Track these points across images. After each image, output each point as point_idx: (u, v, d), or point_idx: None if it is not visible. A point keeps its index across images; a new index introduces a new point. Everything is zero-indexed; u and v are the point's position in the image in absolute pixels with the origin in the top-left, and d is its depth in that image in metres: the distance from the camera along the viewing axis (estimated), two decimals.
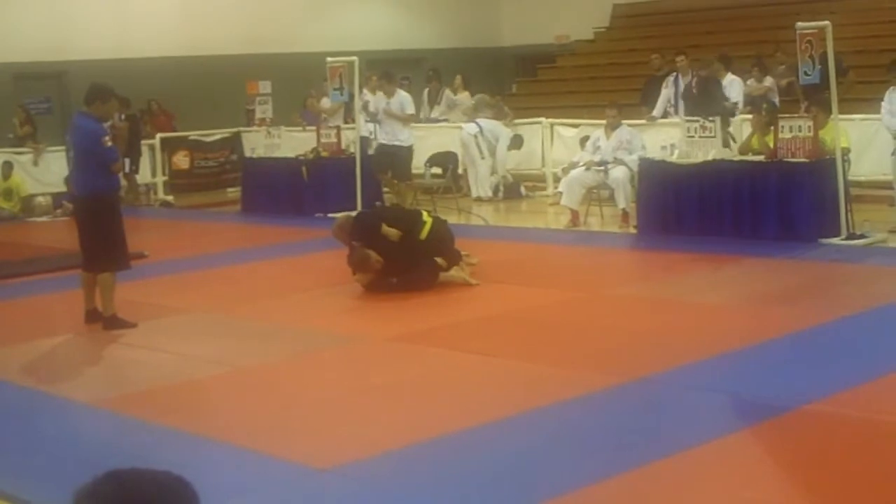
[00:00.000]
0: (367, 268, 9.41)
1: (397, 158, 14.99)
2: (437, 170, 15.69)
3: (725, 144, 11.93)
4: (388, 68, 17.08)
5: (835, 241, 10.56)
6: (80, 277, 8.78)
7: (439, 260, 9.44)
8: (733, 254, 10.24)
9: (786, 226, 10.77)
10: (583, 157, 13.37)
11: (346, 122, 16.36)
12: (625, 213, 12.60)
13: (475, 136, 15.76)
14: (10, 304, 9.95)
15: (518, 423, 5.76)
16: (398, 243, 9.48)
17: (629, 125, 13.33)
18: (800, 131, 10.84)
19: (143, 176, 18.24)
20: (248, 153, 17.75)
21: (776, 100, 14.77)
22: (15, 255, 12.83)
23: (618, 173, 12.55)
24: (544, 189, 16.06)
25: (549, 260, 11.10)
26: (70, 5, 19.23)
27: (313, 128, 16.47)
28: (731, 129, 12.73)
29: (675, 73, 14.79)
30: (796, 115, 11.45)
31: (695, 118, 11.93)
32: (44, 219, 16.54)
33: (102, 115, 8.61)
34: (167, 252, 12.13)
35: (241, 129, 19.13)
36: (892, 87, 11.66)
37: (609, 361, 6.92)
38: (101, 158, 8.35)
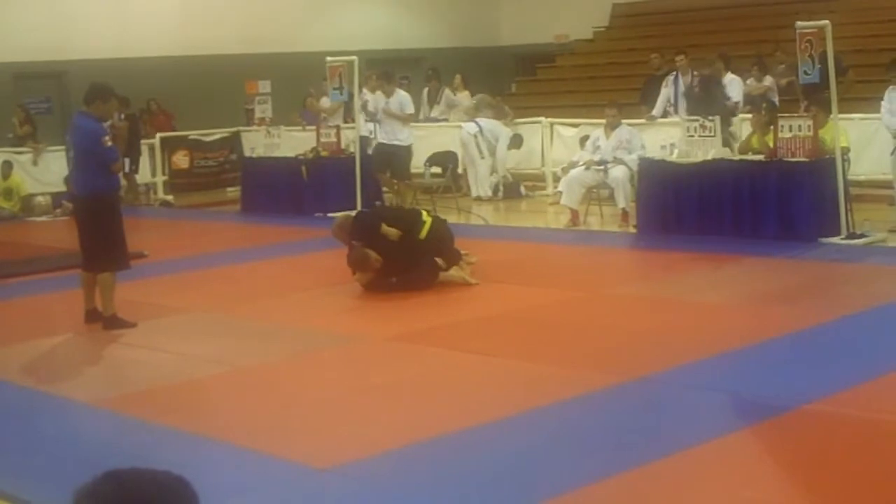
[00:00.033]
0: (367, 267, 9.41)
1: (396, 158, 14.99)
2: (436, 169, 15.69)
3: (727, 144, 11.93)
4: (388, 68, 17.10)
5: (835, 240, 10.56)
6: (79, 277, 8.78)
7: (439, 260, 9.44)
8: (733, 253, 10.24)
9: (786, 225, 10.77)
10: (582, 157, 13.37)
11: (345, 122, 16.35)
12: (624, 213, 12.60)
13: (475, 136, 15.76)
14: (10, 303, 9.95)
15: (518, 422, 5.76)
16: (398, 243, 9.48)
17: (629, 124, 13.33)
18: (799, 131, 10.84)
19: (143, 176, 18.25)
20: (247, 153, 17.74)
21: (776, 99, 14.77)
22: (15, 254, 12.83)
23: (617, 173, 12.55)
24: (544, 188, 16.06)
25: (549, 259, 11.10)
26: (70, 5, 19.23)
27: (313, 127, 16.47)
28: (732, 128, 12.74)
29: (674, 73, 14.80)
30: (796, 114, 11.45)
31: (696, 117, 11.93)
32: (43, 218, 16.55)
33: (102, 115, 8.61)
34: (167, 252, 12.13)
35: (241, 128, 19.14)
36: (891, 87, 11.65)
37: (609, 361, 6.92)
38: (100, 158, 8.34)
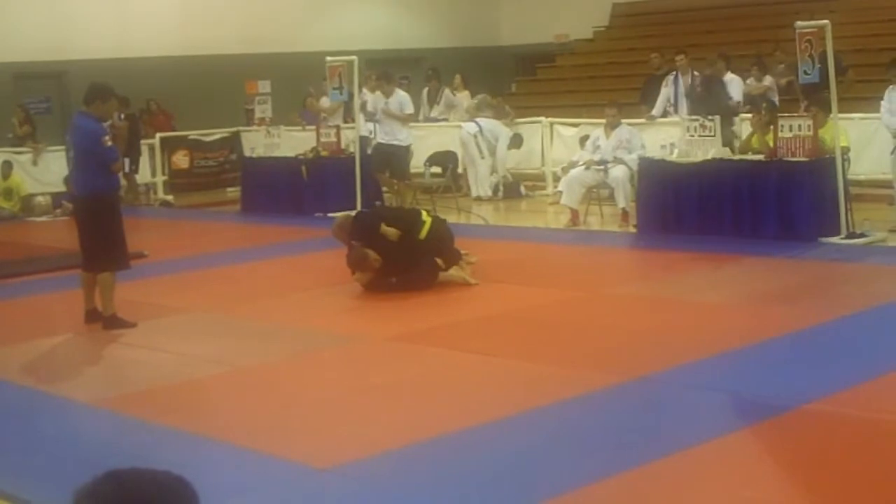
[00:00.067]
0: (366, 266, 9.40)
1: (395, 158, 14.97)
2: (436, 169, 15.70)
3: (729, 143, 11.95)
4: (388, 68, 17.09)
5: (834, 240, 10.56)
6: (79, 277, 8.78)
7: (438, 260, 9.44)
8: (733, 253, 10.24)
9: (785, 225, 10.76)
10: (582, 157, 13.37)
11: (345, 122, 16.35)
12: (624, 213, 12.60)
13: (475, 136, 15.76)
14: (10, 303, 9.95)
15: (518, 422, 5.76)
16: (397, 243, 9.47)
17: (629, 124, 13.33)
18: (799, 130, 10.84)
19: (143, 175, 18.25)
20: (247, 153, 17.74)
21: (776, 99, 14.77)
22: (15, 254, 12.84)
23: (617, 172, 12.55)
24: (544, 188, 16.06)
25: (549, 259, 11.10)
26: (69, 5, 19.23)
27: (313, 127, 16.47)
28: (734, 127, 12.73)
29: (674, 72, 14.80)
30: (796, 114, 11.45)
31: (698, 117, 11.93)
32: (43, 218, 16.55)
33: (102, 115, 8.61)
34: (167, 252, 12.14)
35: (241, 128, 19.13)
36: (891, 86, 11.65)
37: (609, 361, 6.92)
38: (100, 158, 8.34)
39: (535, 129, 16.42)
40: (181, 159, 18.80)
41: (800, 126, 10.86)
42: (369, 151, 14.92)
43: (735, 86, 14.40)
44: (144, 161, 18.19)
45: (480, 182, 15.81)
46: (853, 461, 5.05)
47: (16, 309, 9.75)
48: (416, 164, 15.82)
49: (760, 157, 11.27)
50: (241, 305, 9.27)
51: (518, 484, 4.96)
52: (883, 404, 5.86)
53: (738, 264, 9.94)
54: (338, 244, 10.03)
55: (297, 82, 18.78)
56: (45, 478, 5.29)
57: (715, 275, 9.69)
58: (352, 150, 14.79)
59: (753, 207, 10.96)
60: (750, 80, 15.21)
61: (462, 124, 16.36)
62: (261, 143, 16.52)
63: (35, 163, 17.41)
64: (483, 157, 15.76)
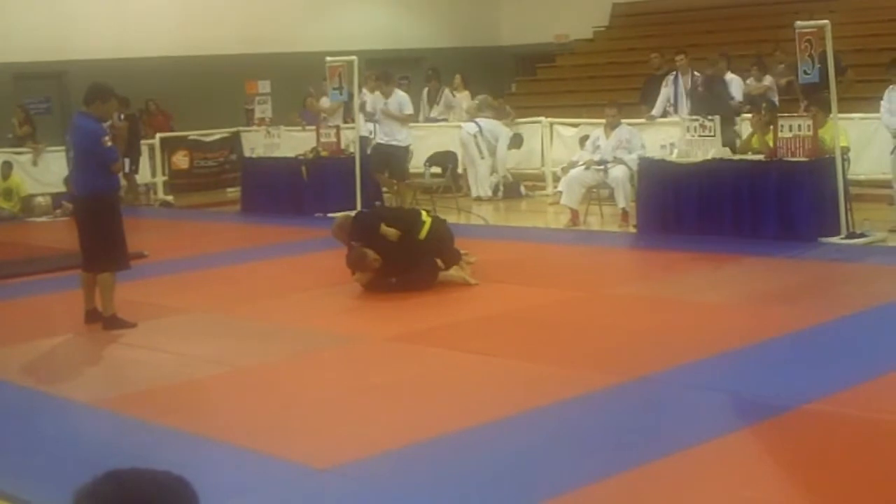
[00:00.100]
0: (365, 266, 9.40)
1: (394, 158, 14.95)
2: (436, 169, 15.69)
3: (731, 143, 11.95)
4: (387, 68, 17.08)
5: (834, 240, 10.56)
6: (79, 277, 8.78)
7: (438, 260, 9.44)
8: (733, 253, 10.24)
9: (785, 225, 10.76)
10: (582, 157, 13.37)
11: (345, 122, 16.35)
12: (624, 213, 12.60)
13: (475, 136, 15.76)
14: (10, 304, 9.95)
15: (518, 422, 5.76)
16: (397, 243, 9.47)
17: (629, 124, 13.34)
18: (799, 130, 10.84)
19: (143, 176, 18.25)
20: (247, 153, 17.74)
21: (775, 99, 14.77)
22: (15, 255, 12.84)
23: (617, 172, 12.55)
24: (544, 188, 16.06)
25: (549, 259, 11.10)
26: (69, 5, 19.23)
27: (313, 127, 16.47)
28: (737, 127, 12.72)
29: (674, 72, 14.80)
30: (796, 114, 11.45)
31: (699, 117, 11.93)
32: (43, 219, 16.55)
33: (102, 115, 8.61)
34: (167, 252, 12.14)
35: (241, 128, 19.13)
36: (891, 86, 11.66)
37: (609, 361, 6.92)
38: (100, 158, 8.34)
39: (534, 129, 16.42)
40: (181, 159, 18.80)
41: (800, 126, 10.86)
42: (369, 151, 14.92)
43: (735, 86, 14.40)
44: (144, 161, 18.19)
45: (480, 182, 15.81)
46: (853, 461, 5.05)
47: (16, 309, 9.75)
48: (416, 164, 15.81)
49: (760, 157, 11.27)
50: (241, 306, 9.27)
51: (518, 484, 4.96)
52: (883, 404, 5.86)
53: (737, 264, 9.94)
54: (338, 244, 10.03)
55: (297, 82, 18.78)
56: (45, 478, 5.29)
57: (715, 275, 9.69)
58: (352, 150, 14.79)
59: (753, 207, 10.96)
60: (750, 80, 15.22)
61: (462, 124, 16.37)
62: (261, 143, 16.52)
63: (35, 163, 17.42)
64: (483, 158, 15.76)
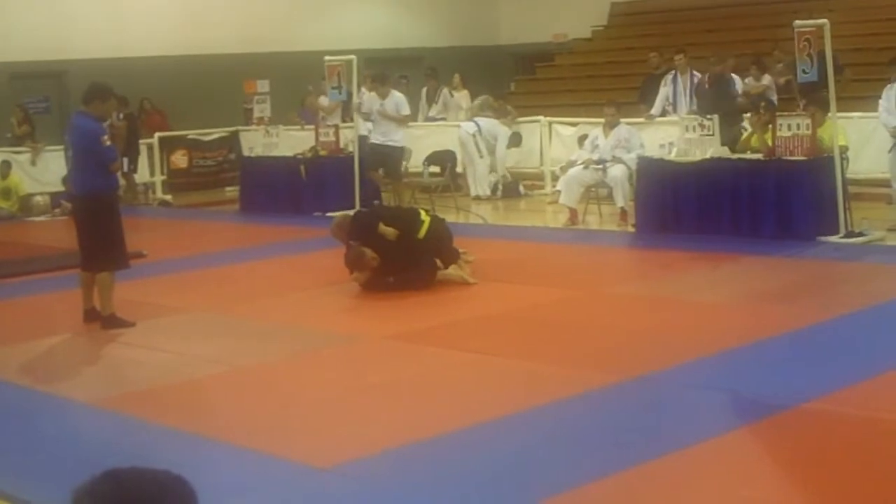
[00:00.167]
0: (363, 265, 9.40)
1: (389, 159, 14.88)
2: (435, 168, 15.69)
3: (737, 141, 11.95)
4: (386, 67, 17.07)
5: (833, 239, 10.57)
6: (78, 277, 8.78)
7: (437, 260, 9.44)
8: (732, 252, 10.24)
9: (784, 224, 10.77)
10: (581, 156, 13.37)
11: (344, 121, 16.34)
12: (623, 212, 12.60)
13: (473, 135, 15.75)
14: (9, 303, 9.95)
15: (517, 421, 5.76)
16: (396, 242, 9.47)
17: (627, 123, 13.33)
18: (798, 129, 10.85)
19: (142, 175, 18.24)
20: (246, 152, 17.72)
21: (774, 98, 14.77)
22: (13, 254, 12.83)
23: (616, 172, 12.55)
24: (543, 188, 16.06)
25: (548, 258, 11.10)
26: (68, 5, 19.21)
27: (311, 126, 16.47)
28: (744, 124, 12.70)
29: (673, 72, 14.80)
30: (794, 113, 11.46)
31: (705, 115, 11.93)
32: (42, 218, 16.54)
33: (101, 115, 8.61)
34: (166, 251, 12.13)
35: (240, 128, 19.12)
36: (889, 85, 11.66)
37: (608, 360, 6.93)
38: (99, 158, 8.34)
39: (533, 129, 16.42)
40: (180, 159, 18.80)
41: (798, 125, 10.87)
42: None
43: (735, 84, 14.39)
44: (143, 160, 18.19)
45: (479, 181, 15.81)
46: (851, 460, 5.06)
47: (15, 309, 9.75)
48: (415, 163, 15.81)
49: (759, 156, 11.27)
50: (239, 305, 9.27)
51: (517, 483, 4.96)
52: (881, 403, 5.87)
53: (736, 263, 9.94)
54: (336, 244, 10.03)
55: (296, 82, 18.77)
56: (45, 478, 5.29)
57: (713, 274, 9.70)
58: (350, 149, 14.78)
59: (752, 206, 10.96)
60: (749, 80, 15.22)
61: (461, 124, 16.36)
62: (259, 142, 16.51)
63: (34, 162, 17.40)
64: (482, 157, 15.76)
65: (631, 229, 12.14)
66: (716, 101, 13.10)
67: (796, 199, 10.77)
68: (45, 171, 17.04)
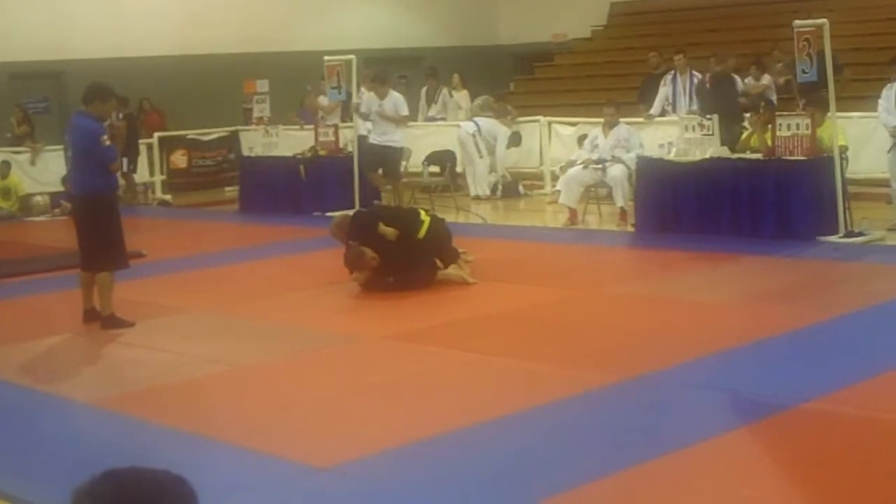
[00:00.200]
0: (362, 265, 9.40)
1: (388, 159, 14.88)
2: (435, 168, 15.68)
3: (737, 142, 11.95)
4: (385, 67, 17.04)
5: (833, 238, 10.57)
6: (78, 277, 8.78)
7: (437, 260, 9.44)
8: (731, 252, 10.24)
9: (784, 224, 10.77)
10: (581, 156, 13.37)
11: (343, 121, 16.33)
12: (623, 212, 12.60)
13: (473, 135, 15.75)
14: (9, 303, 9.95)
15: (516, 421, 5.76)
16: (395, 242, 9.47)
17: (627, 123, 13.34)
18: (798, 129, 10.85)
19: (141, 175, 18.25)
20: (245, 152, 17.72)
21: (774, 98, 14.77)
22: (13, 254, 12.83)
23: (616, 171, 12.55)
24: (542, 187, 16.07)
25: (548, 258, 11.10)
26: (68, 5, 19.21)
27: (311, 126, 16.47)
28: (746, 123, 12.70)
29: (672, 72, 14.81)
30: (794, 113, 11.46)
31: (707, 115, 11.93)
32: (41, 218, 16.54)
33: (101, 115, 8.61)
34: (165, 251, 12.13)
35: (239, 127, 19.11)
36: (888, 85, 11.66)
37: (607, 360, 6.93)
38: (99, 158, 8.34)
39: (533, 129, 16.42)
40: (179, 159, 18.80)
41: (798, 125, 10.87)
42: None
43: (737, 85, 14.39)
44: (143, 160, 18.19)
45: (479, 181, 15.81)
46: (851, 460, 5.06)
47: (14, 309, 9.75)
48: (415, 163, 15.81)
49: (759, 156, 11.27)
50: (239, 305, 9.27)
51: (517, 483, 4.96)
52: (881, 403, 5.87)
53: (736, 263, 9.94)
54: (336, 243, 10.03)
55: (296, 81, 18.77)
56: (45, 478, 5.29)
57: (713, 274, 9.70)
58: (350, 149, 14.78)
59: (752, 206, 10.96)
60: (748, 80, 15.23)
61: (460, 123, 16.37)
62: (259, 142, 16.51)
63: (33, 162, 17.40)
64: (481, 157, 15.76)
65: (630, 229, 12.14)
66: (718, 101, 13.09)
67: (796, 198, 10.77)
68: (44, 171, 17.04)
